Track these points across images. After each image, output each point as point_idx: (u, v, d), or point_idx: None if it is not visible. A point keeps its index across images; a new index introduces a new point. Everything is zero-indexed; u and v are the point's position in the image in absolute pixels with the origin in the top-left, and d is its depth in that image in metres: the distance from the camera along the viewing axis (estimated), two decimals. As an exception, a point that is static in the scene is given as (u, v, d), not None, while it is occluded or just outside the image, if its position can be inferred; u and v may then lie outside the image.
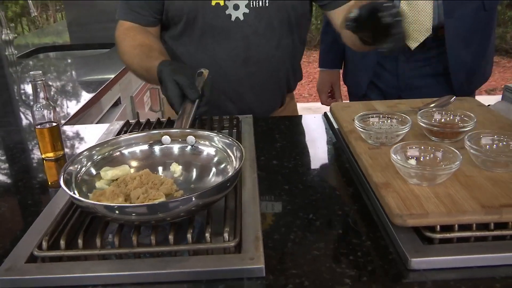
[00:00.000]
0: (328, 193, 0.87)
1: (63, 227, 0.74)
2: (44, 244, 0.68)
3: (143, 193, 0.73)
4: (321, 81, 1.77)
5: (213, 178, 0.82)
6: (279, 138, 1.14)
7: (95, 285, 0.64)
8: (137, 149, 0.89)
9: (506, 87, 1.17)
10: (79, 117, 1.53)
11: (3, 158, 1.10)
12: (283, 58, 1.24)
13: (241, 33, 1.15)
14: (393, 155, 0.76)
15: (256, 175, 0.89)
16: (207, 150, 0.87)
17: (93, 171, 0.82)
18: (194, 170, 0.85)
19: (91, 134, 1.23)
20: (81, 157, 0.82)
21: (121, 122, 1.20)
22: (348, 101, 1.81)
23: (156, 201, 0.71)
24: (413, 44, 1.46)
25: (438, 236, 0.68)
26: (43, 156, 1.05)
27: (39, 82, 1.00)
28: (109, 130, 1.17)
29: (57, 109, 1.53)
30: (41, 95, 1.01)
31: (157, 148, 0.89)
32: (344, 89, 1.76)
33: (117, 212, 0.66)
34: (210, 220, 0.71)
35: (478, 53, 1.49)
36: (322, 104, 1.80)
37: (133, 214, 0.66)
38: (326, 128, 1.19)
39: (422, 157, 0.77)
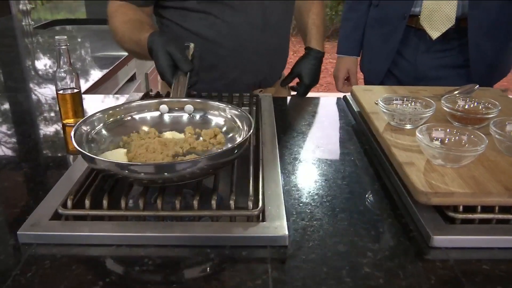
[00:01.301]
0: (348, 172, 0.86)
1: (87, 187, 0.74)
2: (69, 203, 0.68)
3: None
4: (338, 67, 1.75)
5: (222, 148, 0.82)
6: (299, 118, 1.13)
7: (119, 244, 0.64)
8: (148, 115, 0.89)
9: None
10: (95, 90, 1.53)
11: (23, 123, 1.10)
12: (288, 22, 1.27)
13: None
14: (418, 135, 0.75)
15: (277, 151, 0.89)
16: (216, 120, 0.88)
17: (105, 133, 0.83)
18: (201, 138, 0.85)
19: (111, 103, 1.23)
20: (94, 118, 0.82)
21: (140, 94, 1.20)
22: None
23: (164, 162, 0.73)
24: (435, 34, 1.44)
25: (461, 216, 0.67)
26: (64, 121, 1.05)
27: (63, 47, 0.99)
28: (129, 100, 1.17)
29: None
30: (65, 60, 1.01)
31: (167, 116, 0.90)
32: (360, 76, 1.74)
33: (127, 170, 0.66)
34: (233, 189, 0.71)
35: (501, 46, 1.47)
36: (338, 90, 1.79)
37: (142, 173, 0.66)
38: (345, 110, 1.19)
39: (446, 139, 0.77)
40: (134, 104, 0.89)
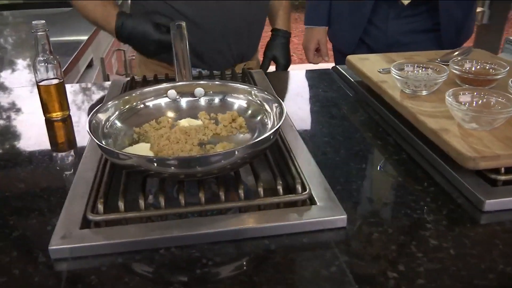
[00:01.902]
0: (370, 144, 0.84)
1: (111, 188, 0.66)
2: (100, 207, 0.60)
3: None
4: (307, 38, 1.72)
5: (247, 132, 0.77)
6: (296, 93, 1.09)
7: (168, 247, 0.58)
8: (160, 101, 0.82)
9: (508, 40, 1.19)
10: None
11: (1, 123, 0.97)
12: None
13: None
14: (448, 99, 0.74)
15: (296, 131, 0.85)
16: (238, 102, 0.81)
17: (119, 124, 0.75)
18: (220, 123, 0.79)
19: (90, 92, 1.12)
20: (108, 106, 0.74)
21: (122, 79, 1.10)
22: (333, 59, 1.80)
23: (197, 155, 0.67)
24: (406, 1, 1.44)
25: (504, 178, 0.67)
26: (49, 116, 0.93)
27: (41, 33, 0.87)
28: (113, 87, 1.07)
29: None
30: (44, 47, 0.89)
31: (181, 101, 0.83)
32: (329, 46, 1.72)
33: (173, 166, 0.59)
34: (276, 173, 0.66)
35: (467, 7, 1.50)
36: (309, 62, 1.76)
37: (188, 168, 0.60)
38: (336, 81, 1.16)
39: (474, 102, 0.76)
40: (146, 90, 0.81)
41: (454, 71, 0.90)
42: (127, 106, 0.77)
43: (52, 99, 0.91)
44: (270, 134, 0.64)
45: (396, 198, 0.68)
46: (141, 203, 0.61)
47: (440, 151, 0.73)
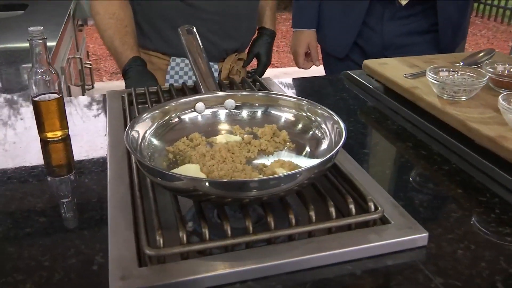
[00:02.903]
0: (414, 154, 0.87)
1: (159, 216, 0.63)
2: (159, 240, 0.58)
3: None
4: (296, 42, 1.73)
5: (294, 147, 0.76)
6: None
7: (243, 281, 0.57)
8: (187, 117, 0.80)
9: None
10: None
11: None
12: None
13: None
14: (504, 104, 0.78)
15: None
16: (285, 116, 0.81)
17: (155, 141, 0.73)
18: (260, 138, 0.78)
19: (82, 107, 1.07)
20: (144, 120, 0.73)
21: (119, 91, 1.07)
22: (323, 64, 1.83)
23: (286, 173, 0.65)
24: (404, 1, 1.50)
25: None
26: (46, 135, 0.88)
27: (38, 41, 0.83)
28: (112, 99, 1.03)
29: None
30: (43, 57, 0.84)
31: (222, 113, 0.82)
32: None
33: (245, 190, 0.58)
34: (348, 192, 0.67)
35: (463, 8, 1.58)
36: (299, 67, 1.78)
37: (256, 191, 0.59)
38: (351, 89, 1.19)
39: (526, 106, 0.81)
40: (183, 100, 0.81)
41: (490, 74, 0.94)
42: (162, 121, 0.75)
43: (52, 117, 0.86)
44: (336, 151, 0.64)
45: (464, 210, 0.70)
46: (205, 232, 0.59)
47: (495, 159, 0.77)
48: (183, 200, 0.64)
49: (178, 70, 1.28)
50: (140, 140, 0.70)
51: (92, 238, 0.64)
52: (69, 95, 1.88)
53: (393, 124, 0.98)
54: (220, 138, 0.77)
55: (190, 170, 0.67)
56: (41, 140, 0.89)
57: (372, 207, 0.65)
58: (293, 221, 0.62)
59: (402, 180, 0.78)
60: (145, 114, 0.74)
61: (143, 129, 0.72)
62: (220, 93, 0.82)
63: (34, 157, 0.85)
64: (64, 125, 0.89)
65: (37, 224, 0.67)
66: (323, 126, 0.75)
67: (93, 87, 2.62)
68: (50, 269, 0.59)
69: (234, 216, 0.67)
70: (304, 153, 0.75)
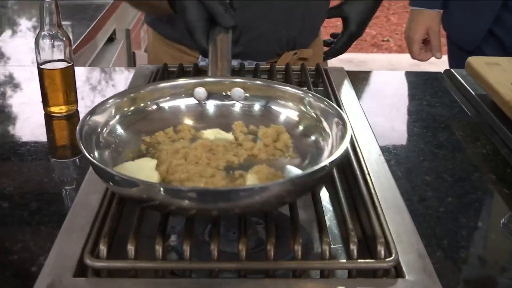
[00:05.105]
0: (491, 190, 0.83)
1: (120, 222, 0.67)
2: (103, 250, 0.61)
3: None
4: (413, 25, 1.69)
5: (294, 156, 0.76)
6: (388, 105, 1.08)
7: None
8: (181, 103, 0.82)
9: None
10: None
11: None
12: None
13: None
14: None
15: (382, 155, 0.83)
16: (286, 113, 0.80)
17: (121, 130, 0.76)
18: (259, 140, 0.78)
19: (107, 80, 1.15)
20: (107, 106, 0.75)
21: (151, 67, 1.12)
22: (447, 55, 1.76)
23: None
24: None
25: None
26: (50, 110, 0.97)
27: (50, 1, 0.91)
28: (137, 76, 1.09)
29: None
30: (53, 20, 0.92)
31: (208, 105, 0.83)
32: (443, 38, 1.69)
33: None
34: (348, 225, 0.65)
35: None
36: (413, 58, 1.73)
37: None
38: (450, 92, 1.13)
39: None
40: (162, 85, 0.82)
41: None
42: (132, 108, 0.78)
43: (57, 88, 0.94)
44: (320, 168, 0.62)
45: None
46: (158, 249, 0.61)
47: None
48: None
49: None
50: (101, 129, 0.73)
51: (46, 236, 0.69)
52: (133, 63, 2.02)
53: (483, 147, 0.93)
54: (208, 134, 0.78)
55: (144, 167, 0.70)
56: (45, 115, 0.97)
57: (382, 252, 0.62)
58: (271, 253, 0.61)
59: (457, 224, 0.74)
60: (111, 100, 0.76)
61: (106, 117, 0.75)
62: (226, 80, 0.83)
63: (34, 133, 0.93)
64: (72, 99, 0.97)
65: (-3, 208, 0.74)
66: (327, 128, 0.74)
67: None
68: (-15, 262, 0.65)
69: (227, 236, 0.68)
70: (304, 164, 0.74)
